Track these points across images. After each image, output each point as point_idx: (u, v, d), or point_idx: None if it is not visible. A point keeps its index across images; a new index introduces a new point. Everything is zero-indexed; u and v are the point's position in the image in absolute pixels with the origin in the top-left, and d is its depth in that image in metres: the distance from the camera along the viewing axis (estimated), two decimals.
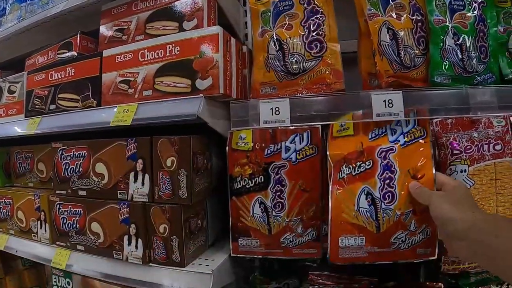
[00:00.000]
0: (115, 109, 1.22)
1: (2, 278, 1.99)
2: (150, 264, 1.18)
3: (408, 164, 1.03)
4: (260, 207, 1.13)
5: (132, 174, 1.19)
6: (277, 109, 1.10)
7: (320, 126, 1.12)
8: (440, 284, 1.15)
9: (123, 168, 1.20)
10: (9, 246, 1.65)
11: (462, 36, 1.12)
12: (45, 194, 1.49)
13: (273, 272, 1.40)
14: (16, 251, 1.61)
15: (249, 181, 1.15)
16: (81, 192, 1.31)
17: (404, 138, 1.06)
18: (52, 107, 1.46)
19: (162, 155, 1.14)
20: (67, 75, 1.43)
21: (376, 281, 1.20)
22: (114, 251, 1.23)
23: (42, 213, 1.48)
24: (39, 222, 1.51)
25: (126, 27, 1.35)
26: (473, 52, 1.12)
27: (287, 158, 1.12)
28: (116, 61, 1.29)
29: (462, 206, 0.84)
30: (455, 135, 1.07)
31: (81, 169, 1.30)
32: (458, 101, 1.05)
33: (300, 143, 1.12)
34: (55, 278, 1.50)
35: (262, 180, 1.13)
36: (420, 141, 1.05)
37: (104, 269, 1.27)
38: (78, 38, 1.49)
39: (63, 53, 1.53)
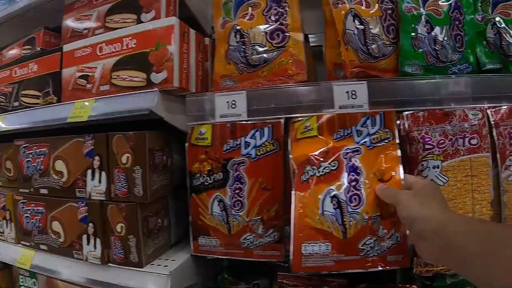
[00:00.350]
0: (73, 105, 1.19)
1: None
2: (109, 264, 1.15)
3: (374, 167, 0.99)
4: (219, 205, 1.10)
5: (89, 172, 1.16)
6: (233, 102, 1.07)
7: (282, 120, 1.08)
8: (414, 286, 1.11)
9: (81, 166, 1.17)
10: None
11: (435, 25, 1.07)
12: (10, 193, 1.46)
13: (243, 272, 1.37)
14: None
15: (208, 178, 1.11)
16: (42, 191, 1.28)
17: (370, 140, 1.01)
18: (16, 104, 1.43)
19: (117, 152, 1.11)
20: (29, 71, 1.40)
21: (346, 283, 1.16)
22: (74, 251, 1.20)
23: (8, 212, 1.46)
24: (5, 221, 1.48)
25: (87, 20, 1.32)
26: (447, 41, 1.07)
27: (246, 154, 1.08)
28: (76, 56, 1.26)
29: (430, 205, 0.79)
30: (427, 128, 1.01)
31: (42, 167, 1.27)
32: (429, 92, 1.01)
33: (261, 138, 1.08)
34: (22, 278, 1.47)
35: (221, 177, 1.10)
36: (387, 143, 1.01)
37: (65, 270, 1.24)
38: (41, 33, 1.46)
39: (27, 49, 1.50)
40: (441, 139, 1.01)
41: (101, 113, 1.12)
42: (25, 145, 1.33)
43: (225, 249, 1.11)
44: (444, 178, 1.00)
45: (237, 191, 1.08)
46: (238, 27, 1.17)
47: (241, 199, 1.08)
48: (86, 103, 1.15)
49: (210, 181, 1.11)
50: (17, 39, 1.58)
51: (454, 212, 0.84)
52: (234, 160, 1.09)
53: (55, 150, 1.24)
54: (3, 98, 1.48)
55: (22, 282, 1.47)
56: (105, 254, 1.15)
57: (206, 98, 1.10)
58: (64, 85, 1.27)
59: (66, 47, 1.29)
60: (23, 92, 1.41)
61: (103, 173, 1.14)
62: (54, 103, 1.29)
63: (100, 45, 1.20)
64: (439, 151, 1.00)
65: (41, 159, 1.27)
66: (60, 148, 1.23)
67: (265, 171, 1.07)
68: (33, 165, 1.30)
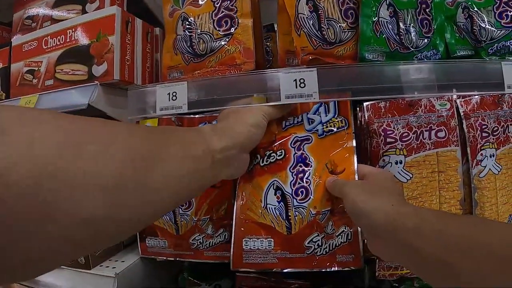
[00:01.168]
0: (18, 101, 1.15)
1: None
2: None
3: (326, 157, 0.91)
4: None
5: None
6: (174, 94, 1.01)
7: None
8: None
9: None
10: None
11: (399, 8, 0.99)
12: None
13: (204, 272, 1.32)
14: None
15: None
16: None
17: (322, 128, 0.94)
18: None
19: None
20: None
21: (308, 285, 1.10)
22: None
23: None
24: None
25: (35, 13, 1.28)
26: (412, 25, 0.99)
27: None
28: (23, 50, 1.21)
29: (380, 197, 0.69)
30: (389, 120, 0.93)
31: None
32: (390, 80, 0.91)
33: None
34: None
35: None
36: (341, 132, 0.93)
37: None
38: None
39: None
40: (405, 132, 0.92)
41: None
42: None
43: (174, 251, 1.05)
44: (408, 174, 0.91)
45: None
46: (186, 15, 1.11)
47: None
48: (31, 99, 1.11)
49: None
50: None
51: (407, 203, 0.73)
52: None
53: None
54: None
55: None
56: None
57: (149, 90, 1.04)
58: (12, 81, 1.23)
59: (15, 41, 1.25)
60: None
61: None
62: (2, 99, 1.26)
63: (46, 38, 1.16)
64: (402, 145, 0.92)
65: None
66: None
67: None
68: None
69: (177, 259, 1.06)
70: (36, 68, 1.17)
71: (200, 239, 1.03)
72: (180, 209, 1.03)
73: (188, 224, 1.03)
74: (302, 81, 0.93)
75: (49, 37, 1.15)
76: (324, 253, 0.86)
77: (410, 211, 0.65)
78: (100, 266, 1.09)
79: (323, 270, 0.86)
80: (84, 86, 1.04)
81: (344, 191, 0.76)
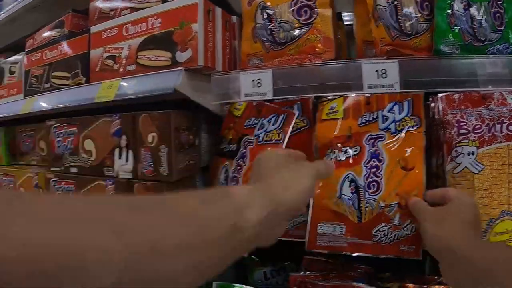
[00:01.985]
0: (99, 86, 1.22)
1: None
2: None
3: (398, 154, 0.95)
4: (224, 174, 1.14)
5: (117, 151, 1.19)
6: (259, 81, 1.07)
7: (311, 98, 1.08)
8: (442, 278, 1.09)
9: (109, 145, 1.21)
10: None
11: (472, 0, 1.01)
12: (42, 171, 1.53)
13: (270, 254, 1.38)
14: None
15: (227, 146, 1.17)
16: (73, 169, 1.33)
17: (395, 127, 0.98)
18: (47, 85, 1.48)
19: (143, 131, 1.13)
20: (59, 53, 1.44)
21: (373, 270, 1.15)
22: None
23: (40, 190, 1.52)
24: None
25: (113, 2, 1.35)
26: (485, 18, 1.00)
27: (257, 135, 1.11)
28: (103, 37, 1.28)
29: (457, 232, 0.71)
30: (463, 112, 0.95)
31: (72, 146, 1.32)
32: (466, 73, 0.95)
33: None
34: None
35: (234, 148, 1.13)
36: (413, 131, 0.96)
37: None
38: (69, 16, 1.50)
39: (57, 32, 1.55)
40: (478, 124, 0.94)
41: (127, 93, 1.14)
42: (55, 125, 1.38)
43: None
44: (479, 165, 0.93)
45: (238, 167, 1.10)
46: (265, 4, 1.16)
47: (237, 176, 1.10)
48: (113, 83, 1.18)
49: (226, 149, 1.17)
50: (49, 22, 1.63)
51: (485, 241, 0.78)
52: (248, 138, 1.12)
53: (84, 130, 1.28)
54: (35, 80, 1.54)
55: None
56: None
57: (232, 76, 1.11)
58: (92, 66, 1.31)
59: (94, 29, 1.32)
60: (53, 73, 1.45)
61: (130, 152, 1.17)
62: (82, 83, 1.33)
63: (126, 25, 1.22)
64: (474, 136, 0.93)
65: (71, 138, 1.32)
66: (89, 127, 1.27)
67: (297, 149, 1.06)
68: (64, 144, 1.35)
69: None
70: (117, 54, 1.23)
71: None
72: (233, 182, 1.11)
73: None
74: (383, 71, 0.98)
75: (130, 24, 1.22)
76: (388, 241, 0.92)
77: (480, 244, 0.70)
78: None
79: (387, 256, 0.92)
80: (168, 72, 1.10)
81: (424, 227, 0.80)
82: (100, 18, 1.38)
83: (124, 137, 1.17)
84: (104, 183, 1.22)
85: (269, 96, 1.07)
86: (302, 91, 1.05)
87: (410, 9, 1.03)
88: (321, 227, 0.96)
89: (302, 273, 1.12)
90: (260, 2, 1.17)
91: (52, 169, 1.42)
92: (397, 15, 1.03)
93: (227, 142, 1.15)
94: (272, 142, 1.07)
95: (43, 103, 1.44)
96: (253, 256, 1.36)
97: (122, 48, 1.22)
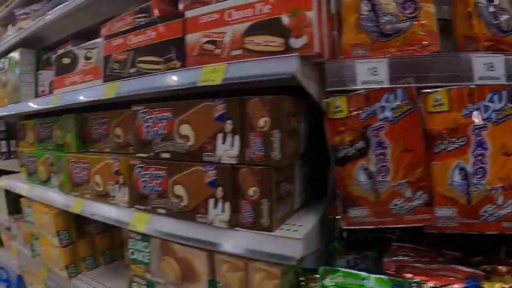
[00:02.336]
0: (201, 70, 1.21)
1: (75, 241, 2.09)
2: (235, 228, 1.18)
3: (500, 141, 1.03)
4: (364, 174, 1.12)
5: (220, 136, 1.19)
6: (375, 69, 1.08)
7: (413, 85, 1.09)
8: None
9: (210, 130, 1.20)
10: (85, 210, 1.72)
11: None
12: (124, 157, 1.52)
13: (353, 242, 1.39)
14: (93, 215, 1.66)
15: (350, 148, 1.13)
16: (164, 155, 1.33)
17: (496, 116, 1.04)
18: (132, 70, 1.48)
19: (253, 116, 1.12)
20: (147, 38, 1.44)
21: (462, 256, 1.17)
22: (197, 215, 1.24)
23: (121, 176, 1.52)
24: (117, 185, 1.55)
25: None
26: None
27: (383, 118, 1.09)
28: (200, 22, 1.28)
29: None
30: None
31: (164, 131, 1.32)
32: None
33: (395, 101, 1.09)
34: (132, 242, 1.53)
35: (363, 145, 1.12)
36: None
37: (186, 233, 1.28)
38: (157, 1, 1.50)
39: (141, 17, 1.55)
40: None
41: (236, 77, 1.13)
42: (144, 110, 1.38)
43: (375, 218, 1.14)
44: None
45: (380, 157, 1.10)
46: None
47: (385, 164, 1.10)
48: (217, 67, 1.18)
49: (352, 151, 1.13)
50: (127, 9, 1.64)
51: None
52: (372, 126, 1.10)
53: (180, 115, 1.27)
54: (117, 65, 1.54)
55: (132, 245, 1.53)
56: (233, 218, 1.18)
57: (347, 64, 1.11)
58: (189, 51, 1.30)
59: (189, 14, 1.31)
60: (140, 58, 1.45)
61: (236, 137, 1.16)
62: (177, 68, 1.33)
63: (229, 10, 1.21)
64: None
65: (164, 124, 1.31)
66: (186, 112, 1.26)
67: (404, 132, 1.09)
68: (154, 130, 1.34)
69: (379, 226, 1.14)
70: (219, 39, 1.23)
71: (400, 203, 1.11)
72: (378, 176, 1.11)
73: (387, 190, 1.11)
74: (491, 65, 1.03)
75: (233, 10, 1.21)
76: (493, 220, 1.04)
77: None
78: (280, 229, 1.15)
79: (492, 233, 1.05)
80: (284, 57, 1.08)
81: None
82: (194, 3, 1.38)
83: (229, 121, 1.16)
84: (203, 169, 1.21)
85: (386, 84, 1.08)
86: (416, 80, 1.07)
87: (503, 7, 1.09)
88: (437, 211, 1.07)
89: (395, 258, 1.16)
90: None
91: (138, 155, 1.41)
92: (495, 13, 1.09)
93: (347, 145, 1.14)
94: (406, 113, 1.10)
95: (129, 87, 1.43)
96: (335, 244, 1.37)
97: (225, 33, 1.22)
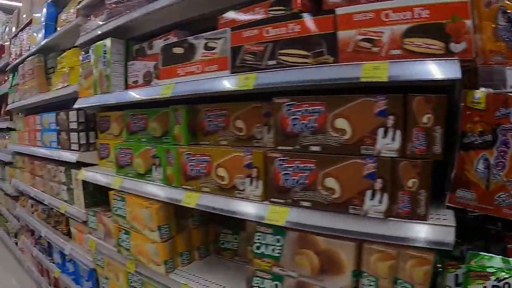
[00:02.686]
0: (361, 66, 1.51)
1: (174, 236, 2.47)
2: (390, 218, 1.51)
3: None
4: (483, 163, 1.45)
5: (381, 130, 1.50)
6: None
7: None
8: None
9: (370, 124, 1.52)
10: (202, 204, 2.07)
11: None
12: (258, 150, 1.85)
13: (463, 234, 1.66)
14: (214, 209, 2.01)
15: (478, 138, 1.45)
16: (313, 148, 1.65)
17: None
18: (272, 62, 1.79)
19: (417, 112, 1.44)
20: (290, 31, 1.75)
21: None
22: (350, 206, 1.56)
23: (254, 170, 1.85)
24: (248, 179, 1.89)
25: None
26: None
27: None
28: (354, 19, 1.58)
29: None
30: None
31: (315, 124, 1.64)
32: None
33: None
34: (260, 236, 1.87)
35: (490, 139, 1.43)
36: None
37: (334, 225, 1.60)
38: None
39: (278, 10, 1.86)
40: None
41: (398, 75, 1.43)
42: (290, 103, 1.71)
43: (478, 203, 1.48)
44: None
45: (501, 153, 1.42)
46: (505, 9, 1.49)
47: (504, 160, 1.42)
48: (381, 65, 1.47)
49: (480, 141, 1.45)
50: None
51: None
52: (503, 126, 1.41)
53: (334, 109, 1.60)
54: (251, 57, 1.85)
55: (259, 239, 1.87)
56: (389, 208, 1.49)
57: (497, 69, 1.45)
58: (341, 47, 1.61)
59: (341, 10, 1.61)
60: (282, 51, 1.77)
61: (398, 132, 1.48)
62: (329, 63, 1.64)
63: (386, 11, 1.51)
64: None
65: (315, 117, 1.64)
66: (342, 106, 1.58)
67: None
68: (303, 123, 1.67)
69: (478, 212, 1.51)
70: (376, 38, 1.53)
71: (504, 197, 1.43)
72: (495, 169, 1.43)
73: (498, 183, 1.43)
74: None
75: (390, 11, 1.51)
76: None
77: None
78: (430, 218, 1.47)
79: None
80: (442, 60, 1.38)
81: None
82: (344, 1, 1.68)
83: (391, 117, 1.48)
84: (362, 161, 1.52)
85: None
86: None
87: None
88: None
89: None
90: (501, 6, 1.50)
91: (280, 148, 1.74)
92: None
93: (477, 134, 1.46)
94: None
95: (270, 79, 1.74)
96: None
97: (382, 32, 1.52)
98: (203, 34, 2.11)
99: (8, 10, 9.47)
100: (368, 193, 1.53)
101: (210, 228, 2.69)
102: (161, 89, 2.27)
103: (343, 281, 1.65)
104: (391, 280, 1.55)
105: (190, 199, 2.14)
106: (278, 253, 1.83)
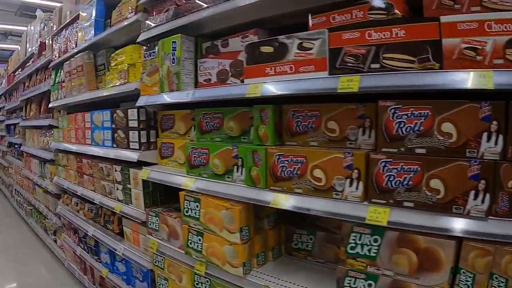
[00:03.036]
0: (468, 74, 1.87)
1: (252, 237, 2.86)
2: (489, 217, 1.89)
3: None
4: None
5: (485, 135, 1.91)
6: None
7: None
8: None
9: (475, 129, 1.92)
10: (295, 206, 2.46)
11: None
12: (359, 152, 2.25)
13: None
14: (309, 210, 2.40)
15: None
16: (419, 150, 2.06)
17: None
18: (375, 66, 2.09)
19: None
20: (393, 35, 2.04)
21: None
22: (454, 206, 1.96)
23: (355, 171, 2.24)
24: (347, 180, 2.28)
25: None
26: None
27: None
28: (458, 28, 1.93)
29: None
30: None
31: (422, 127, 2.06)
32: None
33: None
34: (356, 236, 2.27)
35: None
36: None
37: (436, 224, 1.98)
38: (400, 0, 2.20)
39: (378, 13, 2.24)
40: None
41: (503, 84, 1.78)
42: (396, 106, 2.11)
43: None
44: None
45: None
46: None
47: None
48: (487, 73, 1.83)
49: None
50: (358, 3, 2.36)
51: None
52: None
53: (441, 113, 1.99)
54: (352, 59, 2.21)
55: (354, 239, 2.28)
56: (490, 208, 1.89)
57: None
58: (446, 54, 1.91)
59: (445, 19, 1.95)
60: (386, 55, 2.06)
61: (500, 136, 1.89)
62: (435, 69, 1.99)
63: (488, 22, 1.81)
64: None
65: (421, 121, 2.05)
66: (448, 111, 1.98)
67: None
68: (408, 126, 2.08)
69: None
70: (479, 47, 1.90)
71: None
72: None
73: None
74: None
75: (492, 22, 1.86)
76: None
77: None
78: None
79: None
80: None
81: None
82: (441, 9, 2.06)
83: (495, 122, 1.89)
84: (467, 164, 1.93)
85: None
86: None
87: None
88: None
89: None
90: None
91: (384, 150, 2.16)
92: None
93: None
94: None
95: (374, 82, 2.05)
96: None
97: (486, 42, 1.89)
98: (296, 33, 2.43)
99: (46, 9, 10.49)
100: (472, 193, 1.90)
101: (282, 228, 3.13)
102: (248, 88, 2.60)
103: (440, 278, 2.01)
104: (487, 275, 1.88)
105: (279, 200, 2.52)
106: (375, 252, 2.20)
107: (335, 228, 2.92)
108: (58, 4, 6.76)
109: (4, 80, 12.61)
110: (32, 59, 8.21)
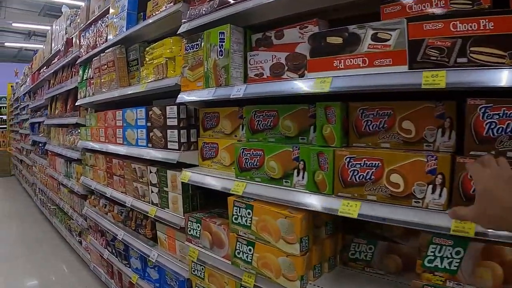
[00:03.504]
0: None
1: (311, 248, 2.78)
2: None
3: None
4: None
5: None
6: None
7: None
8: None
9: None
10: (367, 214, 2.36)
11: None
12: (444, 155, 2.16)
13: None
14: (384, 219, 2.30)
15: None
16: (511, 154, 1.99)
17: None
18: (462, 60, 2.00)
19: None
20: (481, 27, 1.96)
21: None
22: None
23: (439, 176, 2.16)
24: (429, 186, 2.19)
25: None
26: None
27: None
28: None
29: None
30: None
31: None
32: None
33: None
34: (435, 247, 2.21)
35: None
36: None
37: None
38: None
39: (462, 3, 2.20)
40: None
41: None
42: (486, 105, 2.04)
43: None
44: None
45: None
46: None
47: None
48: None
49: None
50: None
51: None
52: None
53: None
54: (436, 52, 2.12)
55: (434, 251, 2.23)
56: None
57: None
58: None
59: None
60: (473, 48, 1.98)
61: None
62: None
63: None
64: None
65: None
66: None
67: None
68: (500, 127, 2.00)
69: None
70: None
71: None
72: None
73: None
74: None
75: None
76: None
77: None
78: None
79: None
80: None
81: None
82: None
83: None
84: None
85: None
86: None
87: None
88: None
89: None
90: None
91: (472, 153, 2.09)
92: None
93: None
94: None
95: (462, 78, 1.99)
96: None
97: None
98: (370, 23, 2.32)
99: (72, 5, 11.11)
100: None
101: (339, 237, 3.05)
102: (313, 83, 2.50)
103: None
104: None
105: (349, 209, 2.42)
106: (456, 266, 2.15)
107: (397, 237, 2.84)
108: (81, 3, 6.93)
109: (28, 79, 13.14)
110: (57, 56, 8.47)
